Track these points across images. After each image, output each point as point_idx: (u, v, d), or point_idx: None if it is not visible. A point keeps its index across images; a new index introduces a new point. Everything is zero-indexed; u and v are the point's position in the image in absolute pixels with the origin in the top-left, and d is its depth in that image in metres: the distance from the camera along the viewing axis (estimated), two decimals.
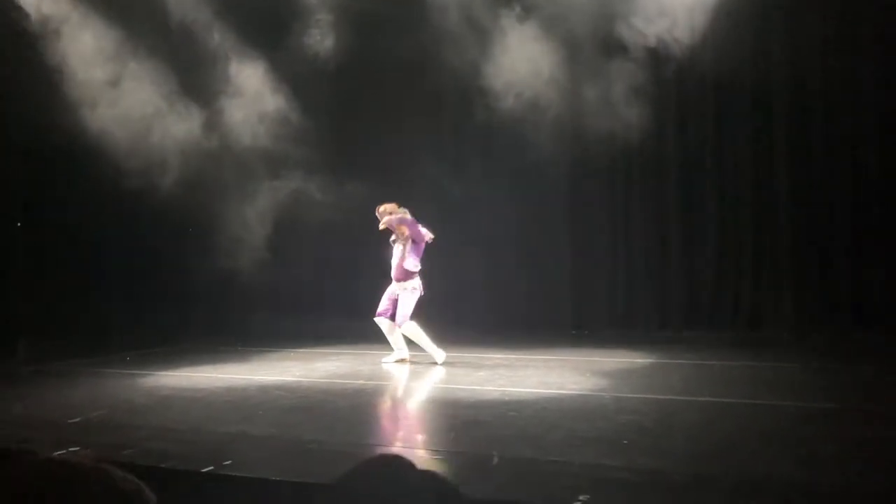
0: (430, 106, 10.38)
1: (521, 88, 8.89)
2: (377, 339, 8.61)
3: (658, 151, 9.66)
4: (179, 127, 9.17)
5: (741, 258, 9.44)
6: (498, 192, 10.16)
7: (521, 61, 8.86)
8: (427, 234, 7.50)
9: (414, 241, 7.46)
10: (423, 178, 9.73)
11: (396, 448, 4.87)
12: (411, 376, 7.41)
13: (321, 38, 9.51)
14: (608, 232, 10.02)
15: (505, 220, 10.10)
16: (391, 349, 7.91)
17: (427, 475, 1.57)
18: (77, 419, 5.61)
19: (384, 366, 7.69)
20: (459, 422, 5.41)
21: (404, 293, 7.51)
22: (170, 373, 7.63)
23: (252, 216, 9.93)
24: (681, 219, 9.68)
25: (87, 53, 8.68)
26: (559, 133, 9.31)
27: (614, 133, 9.22)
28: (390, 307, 7.66)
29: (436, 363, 7.58)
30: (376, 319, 7.72)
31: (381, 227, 7.47)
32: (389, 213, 7.47)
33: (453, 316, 9.49)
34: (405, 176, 9.68)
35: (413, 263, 7.47)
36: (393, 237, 7.62)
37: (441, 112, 10.43)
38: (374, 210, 7.56)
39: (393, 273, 7.61)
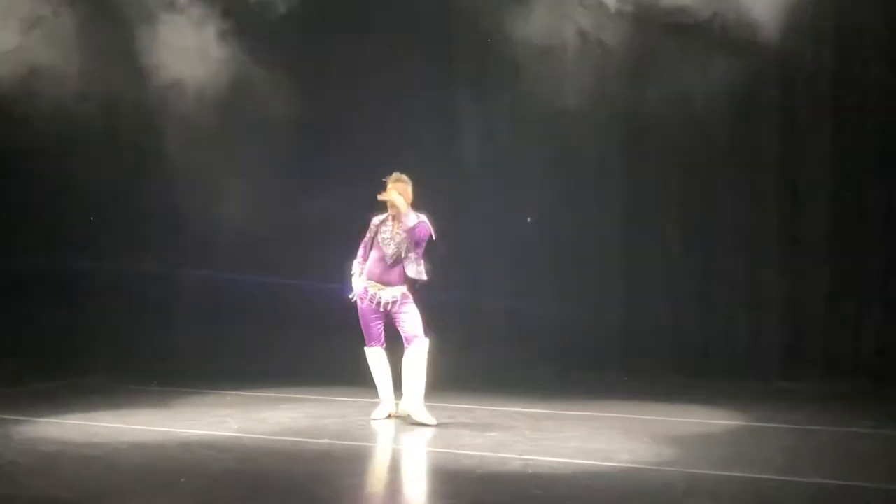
0: (434, 65, 10.61)
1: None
2: (349, 377, 8.62)
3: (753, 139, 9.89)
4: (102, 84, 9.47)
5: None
6: (526, 175, 10.34)
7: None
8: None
9: (416, 245, 7.57)
10: (425, 165, 9.77)
11: None
12: (397, 435, 7.40)
13: None
14: (678, 243, 10.12)
15: (533, 218, 10.27)
16: (373, 394, 7.91)
17: None
18: None
19: (373, 423, 7.67)
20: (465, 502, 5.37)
21: (406, 304, 7.59)
22: (57, 419, 7.62)
23: (190, 204, 10.07)
24: (783, 227, 9.86)
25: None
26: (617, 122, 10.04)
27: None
28: (379, 332, 7.72)
29: (424, 423, 7.57)
30: (368, 349, 7.75)
31: (391, 206, 7.56)
32: (406, 190, 7.58)
33: (458, 351, 9.53)
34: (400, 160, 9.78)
35: (418, 271, 7.58)
36: (386, 225, 7.66)
37: (450, 72, 10.70)
38: (386, 178, 7.64)
39: (379, 274, 7.62)
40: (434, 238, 7.61)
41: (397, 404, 7.77)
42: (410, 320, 7.58)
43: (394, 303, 7.59)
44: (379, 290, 7.60)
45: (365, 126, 10.53)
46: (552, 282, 10.39)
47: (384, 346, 7.75)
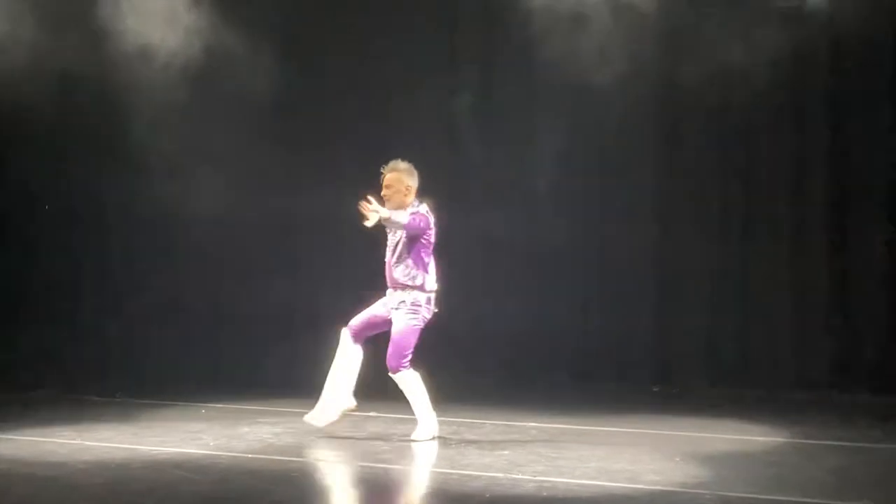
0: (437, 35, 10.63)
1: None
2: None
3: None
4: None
5: None
6: (544, 163, 10.22)
7: None
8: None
9: (411, 239, 7.48)
10: (427, 151, 9.71)
11: None
12: (395, 453, 7.33)
13: None
14: (716, 238, 10.06)
15: (551, 207, 10.22)
16: (367, 409, 7.90)
17: None
18: None
19: (307, 421, 7.58)
20: None
21: (398, 313, 7.48)
22: (7, 435, 7.65)
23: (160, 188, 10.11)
24: (833, 222, 9.80)
25: None
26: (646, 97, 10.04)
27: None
28: (366, 325, 7.60)
29: (414, 439, 7.58)
30: (342, 331, 7.62)
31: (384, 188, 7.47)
32: (399, 179, 7.46)
33: (465, 357, 9.37)
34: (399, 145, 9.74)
35: (404, 273, 7.43)
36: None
37: (454, 44, 10.67)
38: (383, 167, 7.58)
39: (385, 273, 7.59)
40: (422, 230, 7.38)
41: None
42: (391, 339, 7.45)
43: (394, 308, 7.47)
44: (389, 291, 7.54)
45: (358, 106, 10.49)
46: (573, 281, 10.39)
47: (355, 332, 7.51)
